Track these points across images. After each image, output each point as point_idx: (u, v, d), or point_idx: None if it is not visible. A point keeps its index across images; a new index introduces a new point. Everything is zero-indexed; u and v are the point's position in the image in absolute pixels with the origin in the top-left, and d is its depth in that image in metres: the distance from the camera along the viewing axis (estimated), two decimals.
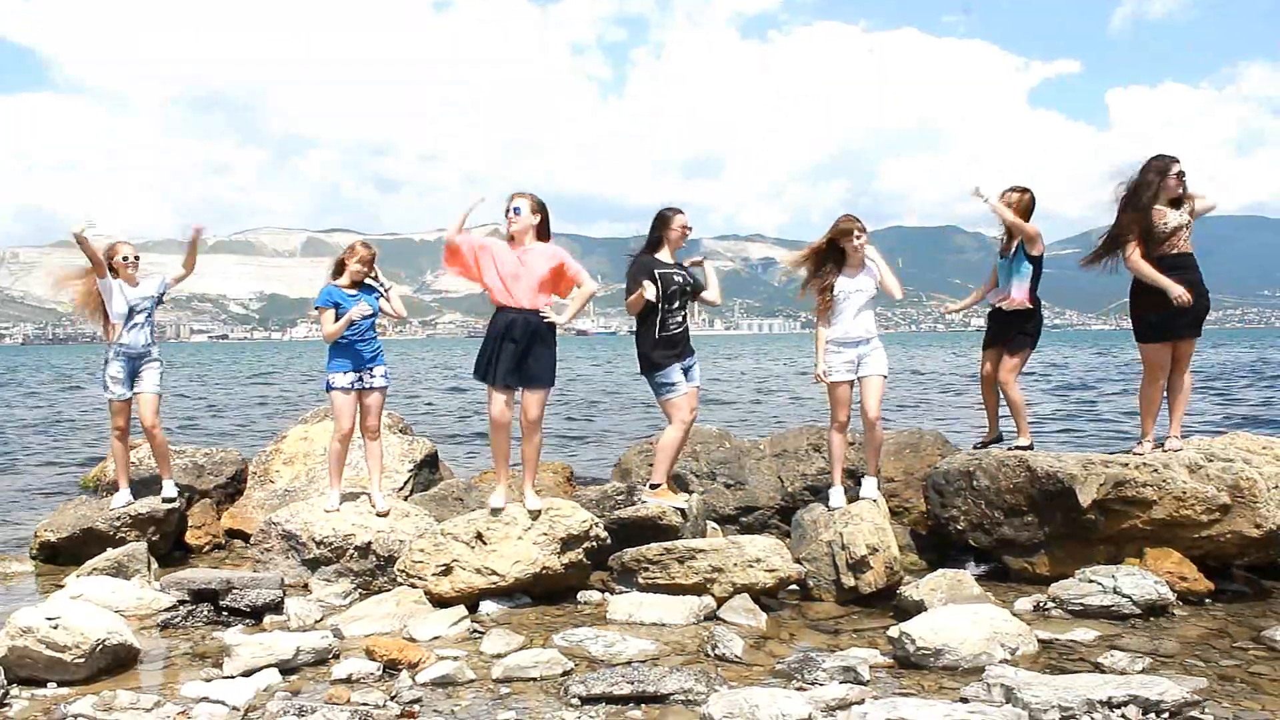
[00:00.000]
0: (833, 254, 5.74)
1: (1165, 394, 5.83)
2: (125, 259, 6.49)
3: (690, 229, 5.89)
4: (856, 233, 5.64)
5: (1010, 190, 6.22)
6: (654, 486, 5.88)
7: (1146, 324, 5.70)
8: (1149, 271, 5.55)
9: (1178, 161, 5.60)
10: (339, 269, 6.15)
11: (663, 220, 5.88)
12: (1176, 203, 5.65)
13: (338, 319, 5.99)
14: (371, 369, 6.11)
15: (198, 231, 6.63)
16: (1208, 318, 5.77)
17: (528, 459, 5.59)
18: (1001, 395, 6.37)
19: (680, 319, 5.84)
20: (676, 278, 5.82)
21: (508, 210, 5.49)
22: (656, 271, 5.76)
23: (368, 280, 6.21)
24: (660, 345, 5.78)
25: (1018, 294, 6.15)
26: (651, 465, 6.18)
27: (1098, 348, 56.13)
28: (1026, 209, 6.17)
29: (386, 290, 6.26)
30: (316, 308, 6.10)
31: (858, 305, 5.69)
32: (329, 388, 6.08)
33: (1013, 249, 6.18)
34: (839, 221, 5.72)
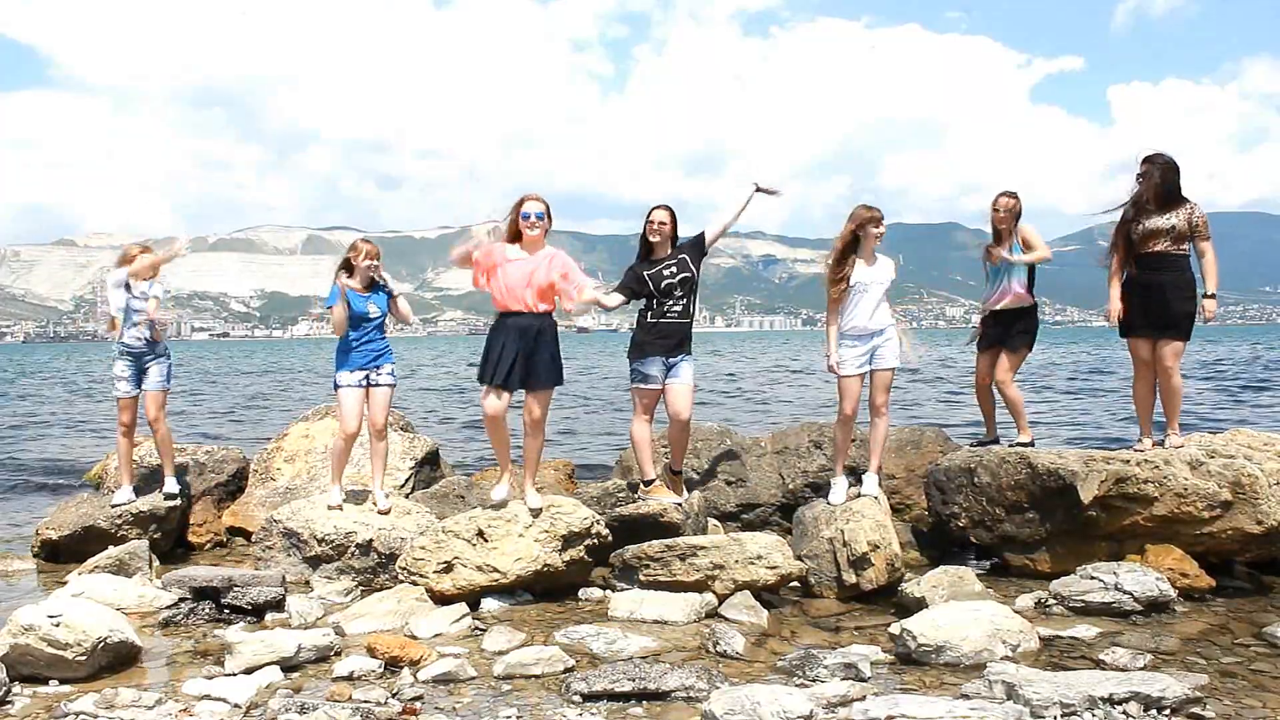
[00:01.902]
0: (853, 245, 5.71)
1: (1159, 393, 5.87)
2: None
3: (662, 224, 5.83)
4: (871, 224, 5.63)
5: (1004, 196, 6.28)
6: (647, 484, 5.89)
7: (1123, 319, 5.82)
8: (1110, 278, 5.85)
9: (1149, 160, 5.66)
10: (348, 270, 6.13)
11: (645, 220, 5.91)
12: (1170, 200, 5.64)
13: (349, 312, 6.02)
14: (379, 367, 6.11)
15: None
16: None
17: (529, 457, 5.59)
18: (999, 396, 6.38)
19: (680, 309, 5.82)
20: (665, 272, 5.81)
21: (524, 215, 5.45)
22: (646, 273, 5.79)
23: (379, 281, 6.22)
24: (651, 331, 5.79)
25: (1020, 289, 6.23)
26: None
27: (1098, 345, 56.09)
28: (1019, 214, 6.28)
29: (395, 296, 6.26)
30: (327, 306, 6.09)
31: (874, 297, 5.66)
32: (336, 386, 6.09)
33: (1008, 249, 6.23)
34: (858, 210, 5.67)
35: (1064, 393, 20.70)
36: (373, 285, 6.13)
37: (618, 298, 5.81)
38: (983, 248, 6.46)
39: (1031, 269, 6.27)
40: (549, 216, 5.52)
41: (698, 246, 5.94)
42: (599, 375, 32.42)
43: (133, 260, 6.44)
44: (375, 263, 6.10)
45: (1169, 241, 5.61)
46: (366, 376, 6.09)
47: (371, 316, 6.07)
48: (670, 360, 5.80)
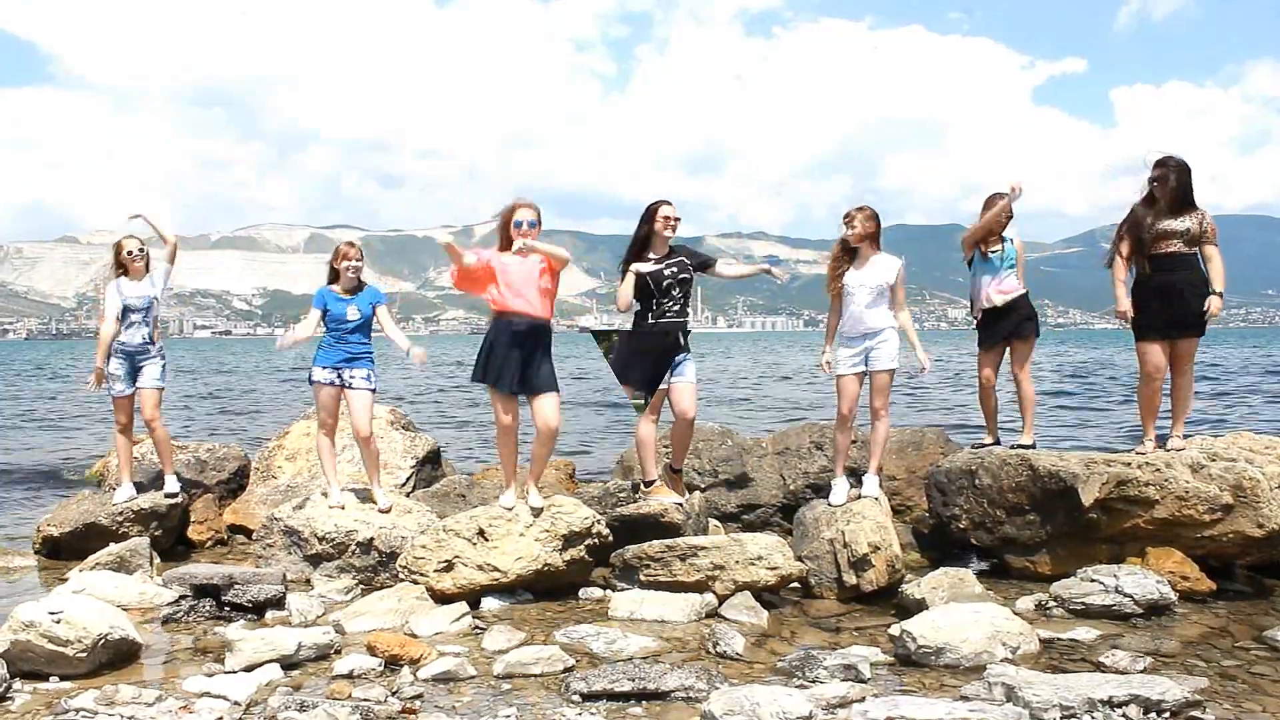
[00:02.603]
0: (848, 247, 5.73)
1: (1170, 393, 5.85)
2: (130, 253, 6.55)
3: (676, 219, 5.81)
4: (846, 222, 5.66)
5: (997, 196, 6.27)
6: (648, 484, 5.89)
7: (1136, 322, 5.77)
8: (1114, 279, 5.79)
9: (1162, 164, 5.64)
10: (334, 275, 6.19)
11: (648, 214, 5.84)
12: (1184, 203, 5.63)
13: (325, 321, 6.11)
14: (351, 368, 6.12)
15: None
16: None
17: (537, 458, 5.56)
18: (1016, 387, 6.35)
19: (677, 308, 5.82)
20: (667, 270, 5.80)
21: (516, 224, 5.42)
22: (645, 271, 5.76)
23: (385, 292, 6.30)
24: (652, 333, 5.77)
25: (1013, 282, 6.23)
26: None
27: (1100, 347, 56.08)
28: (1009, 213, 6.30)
29: (388, 305, 6.32)
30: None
31: (862, 301, 5.66)
32: (310, 380, 6.16)
33: (999, 246, 6.25)
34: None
35: (1063, 394, 20.68)
36: (356, 289, 6.17)
37: (626, 297, 5.80)
38: (969, 239, 6.43)
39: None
40: (540, 223, 5.53)
41: (701, 261, 5.94)
42: (599, 375, 32.43)
43: (120, 253, 6.56)
44: (354, 263, 6.16)
45: (1182, 243, 5.60)
46: (339, 375, 6.11)
47: (349, 319, 6.11)
48: (674, 359, 5.80)
